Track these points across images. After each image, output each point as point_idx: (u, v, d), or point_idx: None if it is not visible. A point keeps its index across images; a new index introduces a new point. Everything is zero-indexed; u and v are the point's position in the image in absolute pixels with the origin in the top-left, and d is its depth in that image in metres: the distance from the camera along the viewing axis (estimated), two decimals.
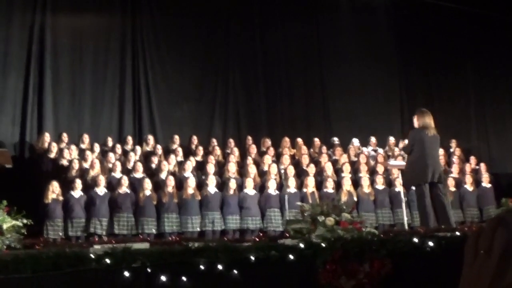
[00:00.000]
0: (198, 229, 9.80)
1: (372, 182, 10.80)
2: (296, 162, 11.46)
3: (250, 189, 10.20)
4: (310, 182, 10.37)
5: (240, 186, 10.36)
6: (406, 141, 11.67)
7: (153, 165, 10.77)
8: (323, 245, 5.55)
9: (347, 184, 10.47)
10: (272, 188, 10.28)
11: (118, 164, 10.22)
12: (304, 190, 10.28)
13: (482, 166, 12.05)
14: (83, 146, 11.04)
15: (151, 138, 11.82)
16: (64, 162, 10.31)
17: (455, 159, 12.31)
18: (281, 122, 13.75)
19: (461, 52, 14.90)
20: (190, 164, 10.61)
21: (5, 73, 11.33)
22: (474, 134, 14.79)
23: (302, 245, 5.64)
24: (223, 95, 13.48)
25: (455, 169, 11.78)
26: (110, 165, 10.32)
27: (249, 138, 12.24)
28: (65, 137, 10.97)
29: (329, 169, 10.97)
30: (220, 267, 5.24)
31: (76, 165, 10.07)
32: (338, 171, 11.20)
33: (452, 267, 1.62)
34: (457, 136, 12.76)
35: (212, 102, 13.37)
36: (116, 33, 12.76)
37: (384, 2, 15.11)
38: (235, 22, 13.91)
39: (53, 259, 5.02)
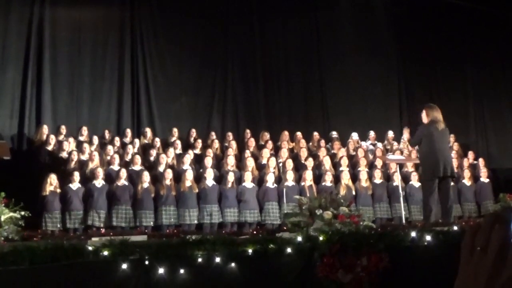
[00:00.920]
0: (196, 222, 9.80)
1: (370, 176, 10.81)
2: (294, 156, 11.47)
3: (248, 182, 10.20)
4: (308, 175, 10.36)
5: (239, 179, 10.37)
6: (405, 138, 11.70)
7: (151, 158, 10.77)
8: (321, 238, 5.57)
9: (345, 178, 10.48)
10: (270, 181, 10.28)
11: (117, 156, 10.23)
12: (302, 183, 10.29)
13: (480, 161, 12.07)
14: (81, 138, 11.03)
15: (149, 131, 11.83)
16: (63, 155, 10.31)
17: (453, 154, 12.30)
18: (280, 115, 13.73)
19: (460, 48, 14.87)
20: (189, 157, 10.61)
21: (3, 65, 11.31)
22: (473, 129, 14.78)
23: (299, 239, 5.65)
24: (222, 88, 13.45)
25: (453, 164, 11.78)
26: (109, 158, 10.33)
27: (248, 131, 12.25)
28: (63, 129, 10.98)
29: (327, 163, 10.98)
30: (217, 260, 5.26)
31: (74, 158, 10.07)
32: (336, 165, 11.21)
33: (450, 261, 1.62)
34: (455, 131, 12.74)
35: (211, 95, 13.34)
36: (115, 26, 12.72)
37: None
38: (235, 15, 13.86)
39: (51, 251, 5.03)
